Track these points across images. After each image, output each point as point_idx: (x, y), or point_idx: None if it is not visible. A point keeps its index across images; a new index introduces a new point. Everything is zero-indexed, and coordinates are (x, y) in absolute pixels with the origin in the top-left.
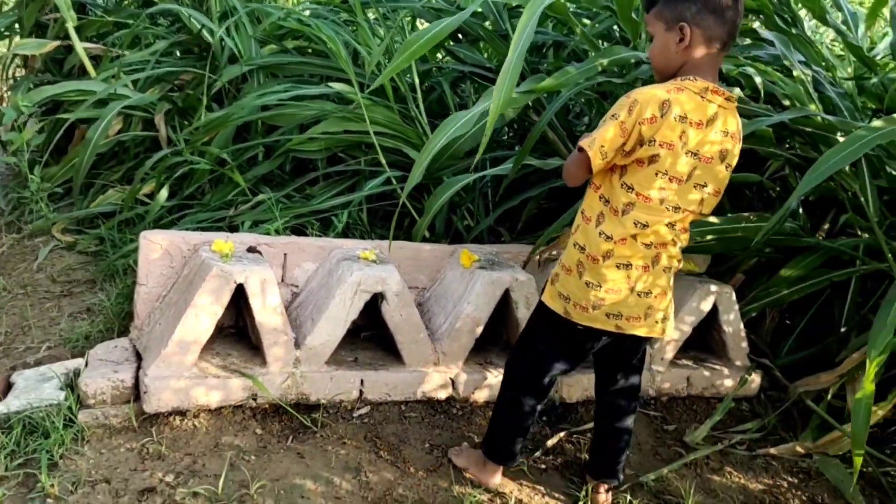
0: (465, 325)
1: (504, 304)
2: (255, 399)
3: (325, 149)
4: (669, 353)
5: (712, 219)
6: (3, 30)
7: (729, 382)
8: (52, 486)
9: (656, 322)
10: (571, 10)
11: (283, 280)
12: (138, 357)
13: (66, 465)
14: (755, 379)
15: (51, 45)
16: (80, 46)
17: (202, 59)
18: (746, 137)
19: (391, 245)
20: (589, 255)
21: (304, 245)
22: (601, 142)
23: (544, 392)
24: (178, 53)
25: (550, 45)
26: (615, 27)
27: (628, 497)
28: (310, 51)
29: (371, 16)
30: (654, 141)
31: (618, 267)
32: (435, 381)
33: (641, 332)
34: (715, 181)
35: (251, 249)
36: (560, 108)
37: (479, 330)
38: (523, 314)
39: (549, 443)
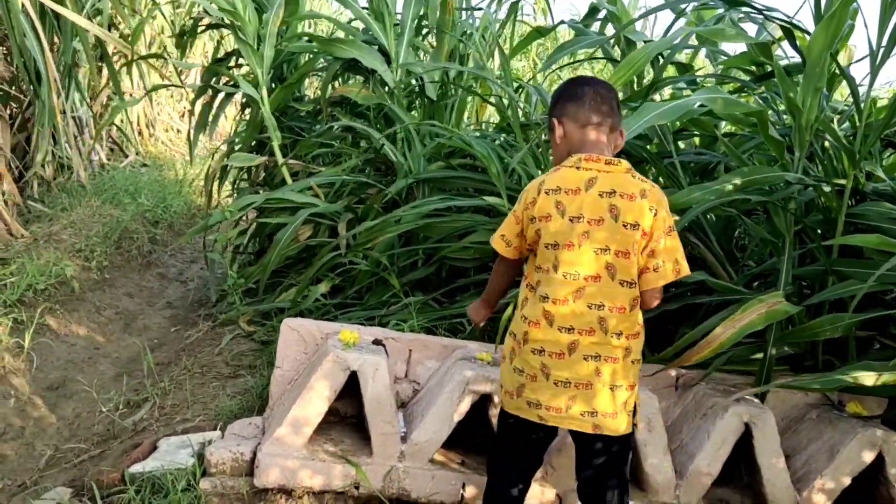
0: None
1: None
2: (357, 488)
3: (475, 258)
4: None
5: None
6: (236, 148)
7: None
8: None
9: (582, 416)
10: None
11: (406, 376)
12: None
13: None
14: None
15: (259, 159)
16: (281, 161)
17: (386, 175)
18: None
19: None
20: (517, 340)
21: (428, 342)
22: (501, 232)
23: (507, 482)
24: (368, 170)
25: (716, 164)
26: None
27: None
28: (479, 168)
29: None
30: (535, 218)
31: (533, 352)
32: (541, 496)
33: (567, 425)
34: (616, 243)
35: (377, 342)
36: (721, 230)
37: None
38: (644, 437)
39: None
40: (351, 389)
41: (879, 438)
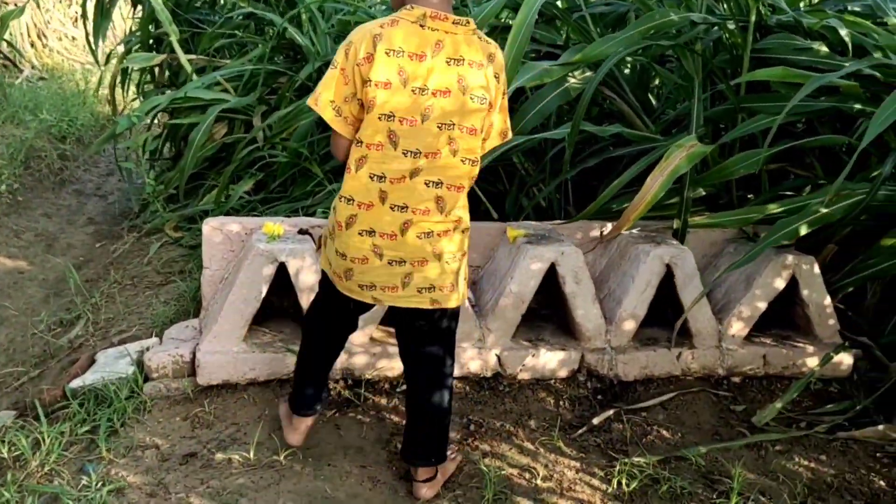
0: (509, 301)
1: (554, 280)
2: None
3: None
4: (740, 330)
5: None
6: (134, 48)
7: (814, 361)
8: (108, 450)
9: (419, 293)
10: None
11: None
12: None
13: (126, 432)
14: (844, 358)
15: (158, 58)
16: (183, 58)
17: (296, 61)
18: (829, 94)
19: None
20: (336, 222)
21: None
22: (327, 96)
23: (325, 345)
24: (277, 58)
25: (625, 13)
26: None
27: (666, 473)
28: None
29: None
30: (370, 81)
31: (361, 234)
32: (480, 358)
33: (404, 303)
34: (463, 117)
35: (302, 232)
36: (637, 80)
37: (524, 306)
38: (572, 288)
39: (595, 420)
40: (284, 281)
41: (791, 263)
